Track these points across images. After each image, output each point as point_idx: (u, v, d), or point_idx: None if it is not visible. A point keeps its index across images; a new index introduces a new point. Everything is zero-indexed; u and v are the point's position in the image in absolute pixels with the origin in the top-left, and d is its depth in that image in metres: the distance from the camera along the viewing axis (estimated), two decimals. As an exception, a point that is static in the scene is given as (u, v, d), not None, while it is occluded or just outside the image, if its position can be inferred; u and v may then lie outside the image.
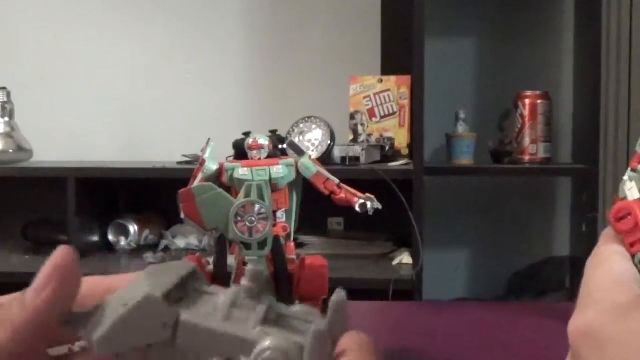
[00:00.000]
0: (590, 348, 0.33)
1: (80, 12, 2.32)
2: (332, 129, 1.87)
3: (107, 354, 0.28)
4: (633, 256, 0.36)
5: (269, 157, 0.60)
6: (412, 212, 1.69)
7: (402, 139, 2.00)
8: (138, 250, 1.98)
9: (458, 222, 2.27)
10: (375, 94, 2.02)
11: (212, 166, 0.59)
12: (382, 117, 2.01)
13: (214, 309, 0.28)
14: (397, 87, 2.00)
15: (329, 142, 1.86)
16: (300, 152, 0.62)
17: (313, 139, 1.87)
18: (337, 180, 0.61)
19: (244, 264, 0.54)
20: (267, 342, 0.26)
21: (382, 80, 2.02)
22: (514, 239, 2.25)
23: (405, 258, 1.85)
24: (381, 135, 2.01)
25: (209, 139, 0.62)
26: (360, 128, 2.02)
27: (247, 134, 0.63)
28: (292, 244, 0.59)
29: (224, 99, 2.28)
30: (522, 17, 2.24)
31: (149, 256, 1.90)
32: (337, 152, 1.87)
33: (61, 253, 0.31)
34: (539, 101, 2.00)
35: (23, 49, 2.33)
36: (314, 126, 1.87)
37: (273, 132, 1.99)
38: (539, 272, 2.16)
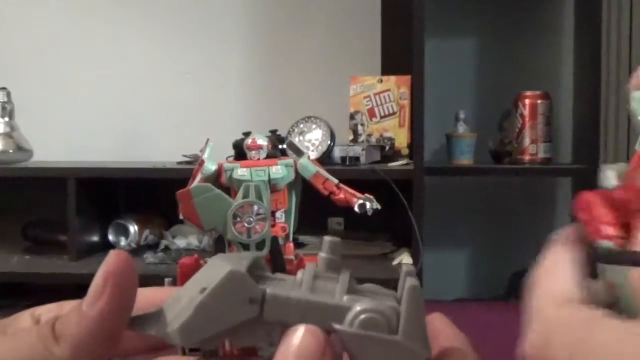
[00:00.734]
0: None
1: (81, 12, 2.32)
2: (332, 129, 1.87)
3: (192, 344, 0.27)
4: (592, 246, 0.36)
5: (268, 157, 0.60)
6: (412, 212, 1.69)
7: (402, 139, 2.00)
8: (138, 250, 1.98)
9: (458, 222, 2.27)
10: (375, 94, 2.01)
11: (211, 166, 0.59)
12: (382, 117, 2.01)
13: (295, 284, 0.27)
14: (397, 87, 2.00)
15: (329, 142, 1.86)
16: (299, 152, 0.62)
17: (313, 139, 1.87)
18: (336, 181, 0.61)
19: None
20: (361, 306, 0.25)
21: (382, 80, 2.02)
22: (514, 239, 2.25)
23: (405, 258, 1.85)
24: (381, 135, 2.01)
25: (208, 139, 0.62)
26: (360, 128, 2.02)
27: (247, 134, 0.63)
28: (292, 244, 0.59)
29: (224, 99, 2.28)
30: (522, 17, 2.24)
31: (149, 256, 1.90)
32: (337, 152, 1.86)
33: (114, 258, 0.28)
34: (539, 101, 2.00)
35: (23, 49, 2.33)
36: (314, 126, 1.87)
37: (273, 132, 1.98)
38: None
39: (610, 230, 0.35)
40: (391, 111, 2.01)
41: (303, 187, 0.62)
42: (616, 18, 2.19)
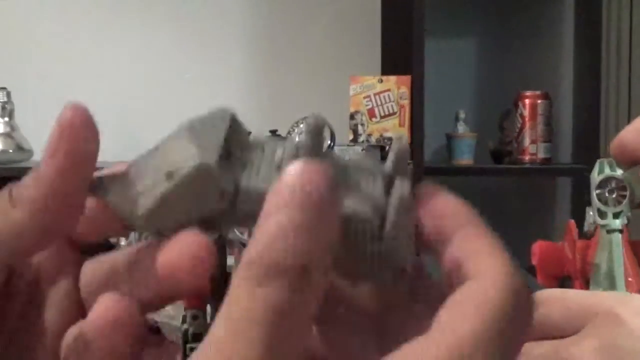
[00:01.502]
0: None
1: (81, 12, 2.32)
2: (332, 129, 1.87)
3: (151, 232, 0.25)
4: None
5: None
6: (412, 212, 1.69)
7: (402, 139, 2.00)
8: (138, 250, 1.98)
9: (458, 222, 2.27)
10: (375, 94, 2.01)
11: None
12: (382, 117, 2.01)
13: (273, 165, 0.24)
14: (397, 87, 2.00)
15: (329, 142, 1.86)
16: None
17: (313, 139, 1.87)
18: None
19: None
20: (349, 205, 0.23)
21: (382, 80, 2.02)
22: (514, 239, 2.24)
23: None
24: (381, 135, 2.01)
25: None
26: (360, 128, 2.02)
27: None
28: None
29: (224, 99, 2.28)
30: (522, 17, 2.24)
31: (149, 256, 1.90)
32: (337, 153, 1.86)
33: (70, 110, 0.25)
34: (539, 101, 2.00)
35: (23, 49, 2.33)
36: (314, 126, 1.87)
37: (273, 132, 1.99)
38: (539, 272, 2.16)
39: None
40: (391, 111, 2.01)
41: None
42: (616, 18, 2.19)
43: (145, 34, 2.31)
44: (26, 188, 0.26)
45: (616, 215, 0.77)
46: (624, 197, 0.77)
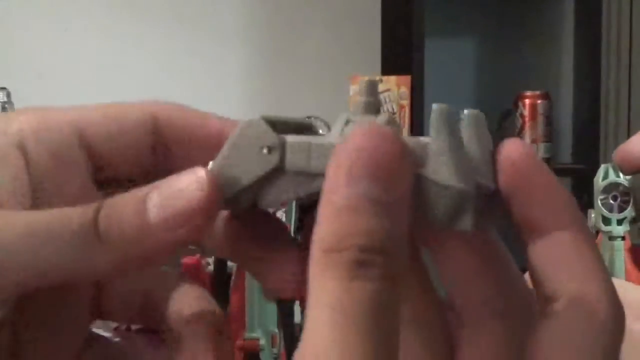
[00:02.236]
0: None
1: (81, 13, 2.32)
2: (332, 129, 1.87)
3: (230, 204, 0.23)
4: None
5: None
6: (412, 212, 1.69)
7: (402, 139, 2.00)
8: (138, 250, 1.98)
9: (458, 222, 2.27)
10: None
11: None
12: (382, 117, 2.01)
13: (325, 131, 0.25)
14: (397, 87, 2.00)
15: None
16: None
17: (313, 139, 1.87)
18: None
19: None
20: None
21: (382, 80, 2.02)
22: (514, 239, 2.24)
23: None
24: (381, 135, 2.01)
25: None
26: (360, 128, 2.02)
27: (247, 134, 0.63)
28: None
29: (224, 99, 2.28)
30: (522, 17, 2.24)
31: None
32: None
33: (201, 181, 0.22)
34: (539, 101, 2.00)
35: (23, 49, 2.33)
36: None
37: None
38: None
39: None
40: (391, 111, 2.01)
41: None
42: (616, 18, 2.19)
43: (146, 33, 2.31)
44: (119, 224, 0.21)
45: (619, 222, 0.77)
46: (627, 202, 0.77)
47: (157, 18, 2.32)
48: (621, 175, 0.75)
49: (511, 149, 0.21)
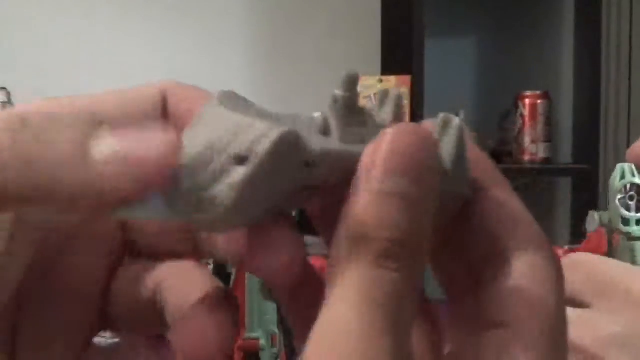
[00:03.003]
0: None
1: (81, 12, 2.32)
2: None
3: (233, 226, 0.21)
4: None
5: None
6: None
7: (402, 139, 2.00)
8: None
9: (458, 222, 2.27)
10: (375, 94, 2.01)
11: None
12: (382, 117, 2.01)
13: (319, 132, 0.22)
14: (397, 87, 2.00)
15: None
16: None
17: (313, 139, 1.87)
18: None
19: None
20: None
21: (382, 80, 2.02)
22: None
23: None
24: (381, 135, 2.01)
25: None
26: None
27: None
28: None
29: (224, 99, 2.28)
30: (522, 17, 2.24)
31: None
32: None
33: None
34: (539, 101, 2.00)
35: (23, 49, 2.33)
36: (314, 126, 1.87)
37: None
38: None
39: None
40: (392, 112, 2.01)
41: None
42: (616, 18, 2.19)
43: (146, 33, 2.31)
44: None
45: (638, 222, 0.76)
46: None
47: (157, 17, 2.32)
48: (636, 174, 0.75)
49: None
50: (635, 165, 0.36)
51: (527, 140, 1.99)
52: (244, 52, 2.30)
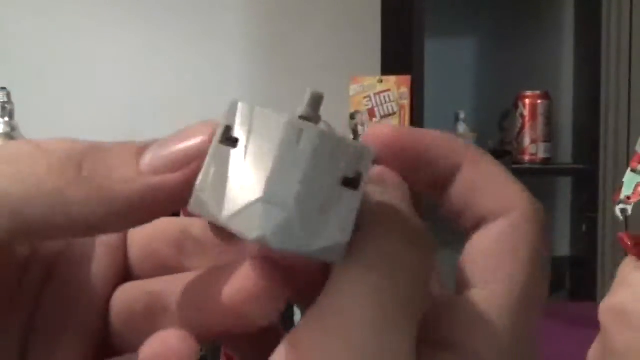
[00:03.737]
0: (621, 324, 0.35)
1: (81, 12, 2.32)
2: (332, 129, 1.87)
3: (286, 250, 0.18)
4: None
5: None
6: (412, 212, 1.69)
7: (402, 139, 2.00)
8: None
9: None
10: (375, 94, 2.01)
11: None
12: (382, 117, 2.01)
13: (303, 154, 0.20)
14: (397, 87, 2.00)
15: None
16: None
17: (313, 139, 1.87)
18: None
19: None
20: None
21: (382, 80, 2.02)
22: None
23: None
24: (381, 135, 2.01)
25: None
26: (360, 128, 2.02)
27: (247, 134, 0.63)
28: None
29: (224, 99, 2.28)
30: (521, 17, 2.24)
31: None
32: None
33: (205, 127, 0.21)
34: (539, 101, 2.00)
35: (23, 49, 2.33)
36: (314, 126, 1.87)
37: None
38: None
39: None
40: (391, 111, 2.01)
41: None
42: (616, 18, 2.19)
43: (146, 33, 2.31)
44: (104, 170, 0.20)
45: None
46: None
47: (157, 16, 2.32)
48: None
49: (375, 133, 0.22)
50: None
51: (527, 140, 1.99)
52: (243, 51, 2.30)
